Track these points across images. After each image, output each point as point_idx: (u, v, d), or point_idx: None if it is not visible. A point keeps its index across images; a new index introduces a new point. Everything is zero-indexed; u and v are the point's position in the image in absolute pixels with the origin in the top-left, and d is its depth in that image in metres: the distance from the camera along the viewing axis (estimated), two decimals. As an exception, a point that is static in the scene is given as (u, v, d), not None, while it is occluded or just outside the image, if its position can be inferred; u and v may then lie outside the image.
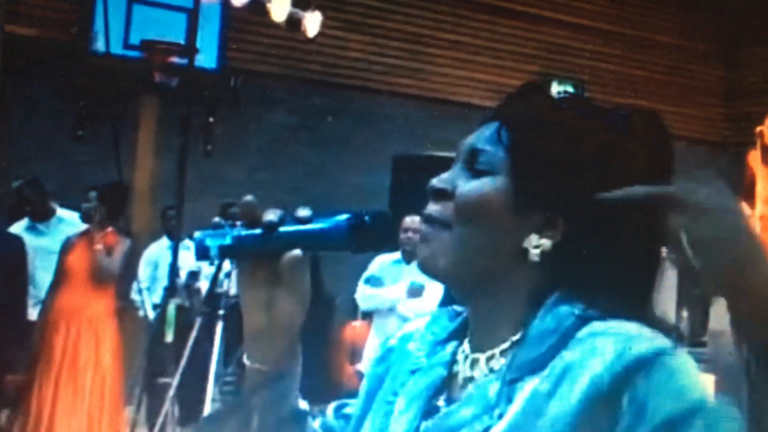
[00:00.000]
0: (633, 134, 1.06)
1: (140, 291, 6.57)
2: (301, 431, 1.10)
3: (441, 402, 1.07)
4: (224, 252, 1.05)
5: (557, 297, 1.03)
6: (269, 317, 1.05)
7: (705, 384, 0.98)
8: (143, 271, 6.67)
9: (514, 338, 1.05)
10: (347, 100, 8.74)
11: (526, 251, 1.03)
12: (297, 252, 1.04)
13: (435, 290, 4.81)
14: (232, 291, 5.61)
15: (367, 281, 5.62)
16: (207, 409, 5.28)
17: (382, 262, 5.58)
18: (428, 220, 1.06)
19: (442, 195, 1.06)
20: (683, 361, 0.97)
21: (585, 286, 1.02)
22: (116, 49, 7.35)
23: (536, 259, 1.03)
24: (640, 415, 0.94)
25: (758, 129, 8.06)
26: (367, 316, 6.17)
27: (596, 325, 1.01)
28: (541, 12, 9.67)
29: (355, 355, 6.23)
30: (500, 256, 1.04)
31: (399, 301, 5.39)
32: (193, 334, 5.39)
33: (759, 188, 7.52)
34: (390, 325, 5.22)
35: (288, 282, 1.05)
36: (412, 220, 5.06)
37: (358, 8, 8.92)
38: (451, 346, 1.11)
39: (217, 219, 1.07)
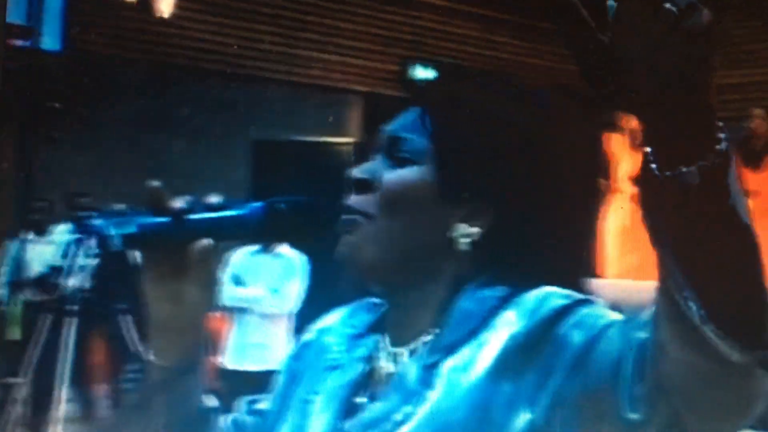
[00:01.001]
0: (557, 112, 1.05)
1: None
2: (208, 428, 1.08)
3: (362, 399, 1.05)
4: (129, 241, 1.00)
5: (480, 281, 1.01)
6: (174, 310, 1.02)
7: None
8: (4, 267, 6.31)
9: (435, 330, 1.02)
10: (206, 86, 8.45)
11: (454, 241, 1.01)
12: (207, 241, 1.01)
13: (295, 287, 4.79)
14: (86, 285, 5.46)
15: (232, 279, 5.41)
16: (59, 410, 5.14)
17: (243, 256, 5.35)
18: (350, 211, 1.03)
19: (363, 185, 1.04)
20: (604, 309, 0.95)
21: (513, 271, 1.00)
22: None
23: (465, 248, 1.01)
24: (560, 349, 0.92)
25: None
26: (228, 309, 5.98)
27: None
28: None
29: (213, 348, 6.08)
30: (427, 246, 1.02)
31: (262, 300, 5.16)
32: (43, 331, 5.28)
33: (625, 169, 7.57)
34: (252, 324, 4.99)
35: (197, 273, 1.01)
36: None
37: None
38: (370, 340, 1.08)
39: (120, 206, 1.02)
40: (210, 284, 1.03)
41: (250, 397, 1.17)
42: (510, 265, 1.01)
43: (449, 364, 0.98)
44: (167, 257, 1.02)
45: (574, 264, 1.04)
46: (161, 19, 7.50)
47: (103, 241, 0.99)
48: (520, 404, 0.94)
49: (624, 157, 7.07)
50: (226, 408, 1.14)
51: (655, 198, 0.78)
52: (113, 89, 7.98)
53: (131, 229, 1.00)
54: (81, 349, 5.51)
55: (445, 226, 1.02)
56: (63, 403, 5.32)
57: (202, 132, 8.35)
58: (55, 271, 6.03)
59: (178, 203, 1.00)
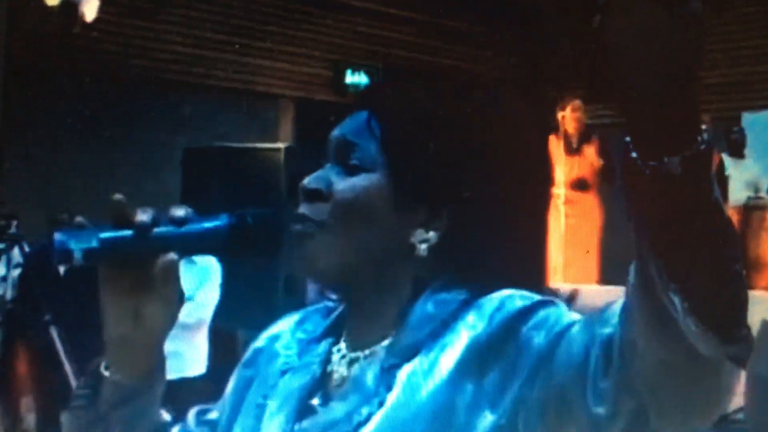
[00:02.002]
0: (506, 110, 1.04)
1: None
2: None
3: (316, 401, 1.04)
4: (90, 256, 0.96)
5: (440, 284, 1.01)
6: (134, 326, 1.00)
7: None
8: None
9: (393, 334, 1.01)
10: (133, 94, 8.33)
11: (412, 246, 1.01)
12: (171, 256, 0.98)
13: (211, 295, 4.68)
14: (8, 296, 5.34)
15: None
16: None
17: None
18: (302, 220, 1.02)
19: (315, 195, 1.02)
20: (564, 310, 0.96)
21: (472, 273, 1.00)
22: None
23: (424, 254, 1.00)
24: (522, 350, 0.93)
25: (560, 115, 8.16)
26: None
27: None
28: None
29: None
30: (385, 254, 1.01)
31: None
32: None
33: (561, 173, 7.58)
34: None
35: (159, 288, 0.99)
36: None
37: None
38: (324, 344, 1.07)
39: (80, 218, 0.98)
40: (172, 300, 1.01)
41: (199, 407, 1.16)
42: (468, 268, 1.01)
43: (409, 367, 0.98)
44: (129, 272, 0.99)
45: (531, 265, 1.04)
46: (85, 24, 7.38)
47: (63, 255, 0.96)
48: (483, 405, 0.94)
49: (559, 161, 7.11)
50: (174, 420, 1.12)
51: (637, 188, 0.77)
52: (38, 99, 7.84)
53: (92, 243, 0.97)
54: (6, 360, 5.39)
55: (402, 232, 1.01)
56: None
57: (128, 139, 8.25)
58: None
59: (142, 216, 0.97)
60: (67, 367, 5.22)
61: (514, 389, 0.93)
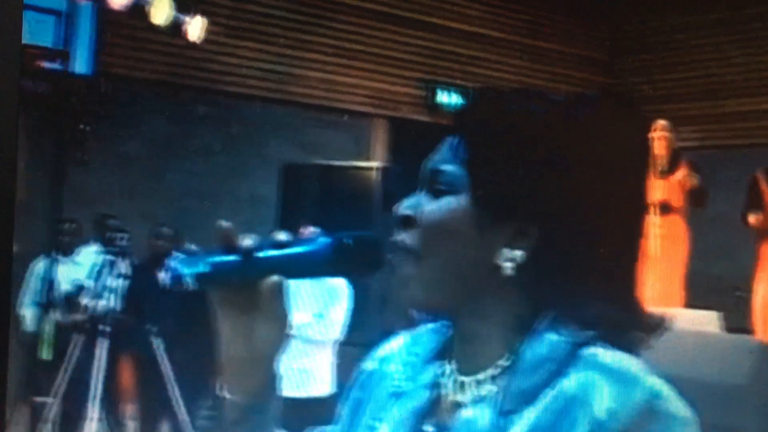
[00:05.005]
0: (598, 121, 1.02)
1: (24, 306, 6.30)
2: None
3: (429, 428, 1.05)
4: (200, 280, 1.01)
5: (546, 321, 1.00)
6: (247, 347, 1.02)
7: (693, 426, 0.97)
8: (30, 285, 6.34)
9: (503, 363, 1.02)
10: (229, 108, 8.48)
11: (499, 267, 1.00)
12: (276, 278, 1.01)
13: (341, 314, 4.70)
14: (116, 306, 5.52)
15: None
16: (90, 430, 5.15)
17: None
18: (396, 248, 1.04)
19: (407, 222, 1.04)
20: (672, 407, 0.96)
21: (569, 298, 1.00)
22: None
23: (510, 273, 1.00)
24: None
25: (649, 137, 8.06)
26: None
27: (591, 354, 0.98)
28: (427, 18, 9.57)
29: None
30: (474, 276, 1.01)
31: (307, 326, 5.12)
32: (74, 351, 5.31)
33: (649, 195, 7.54)
34: (296, 349, 4.95)
35: (267, 309, 1.01)
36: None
37: (242, 14, 8.66)
38: (434, 367, 1.08)
39: (191, 246, 1.03)
40: (280, 320, 1.03)
41: (314, 429, 1.17)
42: (561, 290, 1.00)
43: (530, 415, 0.97)
44: (238, 295, 1.02)
45: (624, 284, 1.03)
46: (190, 43, 7.54)
47: (176, 280, 1.01)
48: None
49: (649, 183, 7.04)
50: None
51: None
52: (141, 112, 8.03)
53: (203, 268, 1.01)
54: (111, 369, 5.52)
55: (488, 252, 1.01)
56: (93, 423, 5.32)
57: (225, 154, 8.38)
58: (82, 290, 6.07)
59: (247, 242, 1.01)
60: (170, 377, 5.36)
61: None
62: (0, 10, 1.13)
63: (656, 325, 1.02)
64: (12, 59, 1.14)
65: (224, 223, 1.02)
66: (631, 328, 1.02)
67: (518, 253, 1.00)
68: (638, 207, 1.07)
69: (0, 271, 1.16)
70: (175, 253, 1.03)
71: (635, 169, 1.05)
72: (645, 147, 1.07)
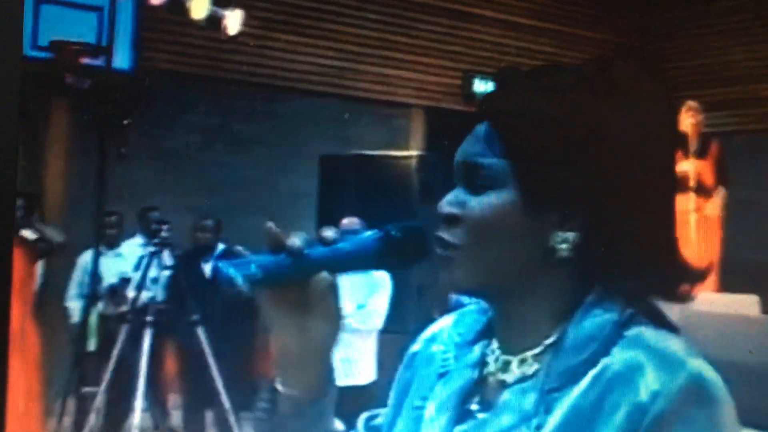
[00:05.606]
0: (620, 86, 1.02)
1: (71, 298, 6.41)
2: None
3: (474, 406, 1.06)
4: (252, 281, 1.02)
5: (592, 299, 1.01)
6: (301, 342, 1.03)
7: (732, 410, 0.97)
8: (77, 278, 6.45)
9: (548, 341, 1.02)
10: (268, 101, 8.53)
11: (553, 250, 1.01)
12: (326, 275, 1.02)
13: (382, 303, 4.73)
14: (159, 297, 5.57)
15: None
16: (135, 420, 5.21)
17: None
18: (442, 244, 1.04)
19: (451, 220, 1.04)
20: (714, 391, 0.96)
21: (616, 276, 1.00)
22: (24, 50, 7.00)
23: (566, 254, 1.01)
24: None
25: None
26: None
27: (636, 334, 0.99)
28: (466, 8, 9.56)
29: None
30: (527, 263, 1.02)
31: (349, 315, 5.17)
32: (119, 342, 5.36)
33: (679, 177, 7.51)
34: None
35: (318, 306, 1.02)
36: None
37: (281, 6, 8.70)
38: (479, 347, 1.09)
39: (239, 247, 1.06)
40: (333, 316, 1.04)
41: (368, 413, 1.19)
42: (610, 269, 1.00)
43: (573, 394, 0.98)
44: (287, 292, 1.03)
45: (669, 247, 1.03)
46: (228, 36, 7.60)
47: (227, 282, 1.01)
48: None
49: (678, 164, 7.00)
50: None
51: None
52: (181, 106, 8.11)
53: (252, 269, 1.02)
54: (156, 360, 5.60)
55: (540, 238, 1.01)
56: (138, 413, 5.40)
57: (266, 146, 8.44)
58: (126, 282, 6.17)
59: (296, 241, 1.01)
60: (213, 367, 5.43)
61: None
62: (0, 10, 1.15)
63: (702, 276, 1.03)
64: (12, 59, 1.17)
65: (270, 225, 1.02)
66: (680, 280, 1.03)
67: (571, 234, 1.00)
68: (670, 174, 1.07)
69: (0, 271, 1.19)
70: (220, 245, 1.06)
71: (663, 128, 1.05)
72: (669, 107, 1.07)
